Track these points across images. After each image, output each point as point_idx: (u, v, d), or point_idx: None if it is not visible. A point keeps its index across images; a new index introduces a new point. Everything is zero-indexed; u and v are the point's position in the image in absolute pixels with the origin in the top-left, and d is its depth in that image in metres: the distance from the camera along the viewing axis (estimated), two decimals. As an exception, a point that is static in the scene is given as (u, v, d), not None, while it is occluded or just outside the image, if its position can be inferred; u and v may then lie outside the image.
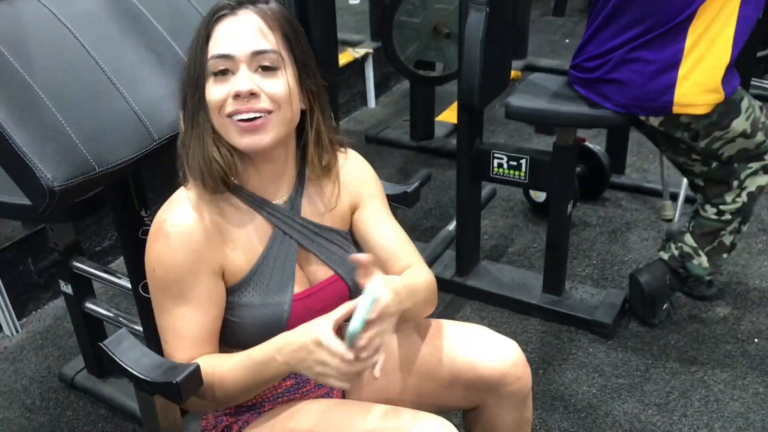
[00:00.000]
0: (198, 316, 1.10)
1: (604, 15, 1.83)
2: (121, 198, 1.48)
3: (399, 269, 1.22)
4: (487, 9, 1.89)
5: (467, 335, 1.28)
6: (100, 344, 1.12)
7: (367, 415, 1.15)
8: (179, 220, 1.09)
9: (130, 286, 1.61)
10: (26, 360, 2.15)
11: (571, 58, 2.01)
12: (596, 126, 2.02)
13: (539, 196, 2.72)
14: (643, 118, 1.84)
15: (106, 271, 1.79)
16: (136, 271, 1.53)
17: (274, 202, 1.17)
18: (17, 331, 2.25)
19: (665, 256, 2.08)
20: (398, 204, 1.53)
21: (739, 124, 1.83)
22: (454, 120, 3.63)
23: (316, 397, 1.27)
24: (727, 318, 2.18)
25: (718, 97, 1.77)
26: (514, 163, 2.10)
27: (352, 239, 1.28)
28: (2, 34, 1.21)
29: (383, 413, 1.15)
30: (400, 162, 3.28)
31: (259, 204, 1.15)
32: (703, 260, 2.02)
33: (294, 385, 1.24)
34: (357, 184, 1.26)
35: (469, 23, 1.91)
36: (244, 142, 1.07)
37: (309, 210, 1.21)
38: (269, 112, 1.07)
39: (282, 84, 1.07)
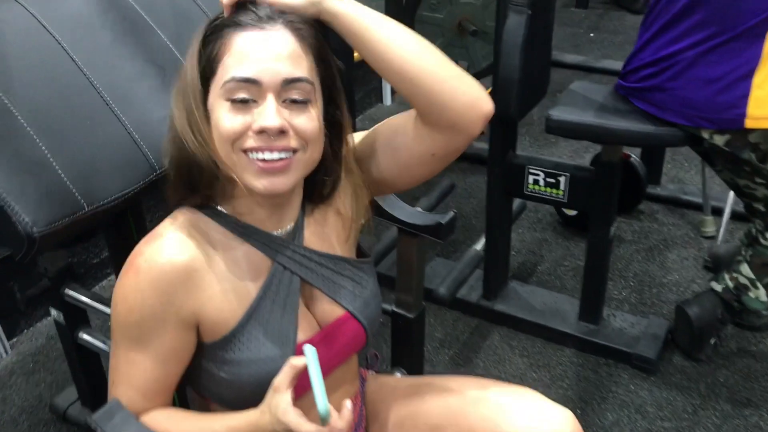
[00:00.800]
0: (154, 368, 0.93)
1: (667, 17, 1.62)
2: (118, 230, 1.30)
3: (404, 128, 1.00)
4: (529, 11, 1.69)
5: (517, 403, 1.09)
6: (90, 419, 0.94)
7: None
8: (154, 256, 0.91)
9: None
10: (16, 386, 1.97)
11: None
12: (653, 145, 1.82)
13: (569, 210, 2.53)
14: (706, 135, 1.64)
15: (102, 301, 1.61)
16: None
17: (273, 234, 0.98)
18: (6, 353, 2.07)
19: (718, 287, 1.89)
20: (430, 236, 1.35)
21: None
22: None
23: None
24: (780, 352, 2.00)
25: None
26: (552, 180, 1.91)
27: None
28: (-25, 45, 1.03)
29: None
30: (418, 165, 3.08)
31: (254, 236, 0.97)
32: (762, 293, 1.83)
33: None
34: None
35: (507, 26, 1.71)
36: (261, 184, 0.89)
37: (314, 238, 1.03)
38: (294, 151, 0.88)
39: (313, 119, 0.89)
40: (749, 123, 1.58)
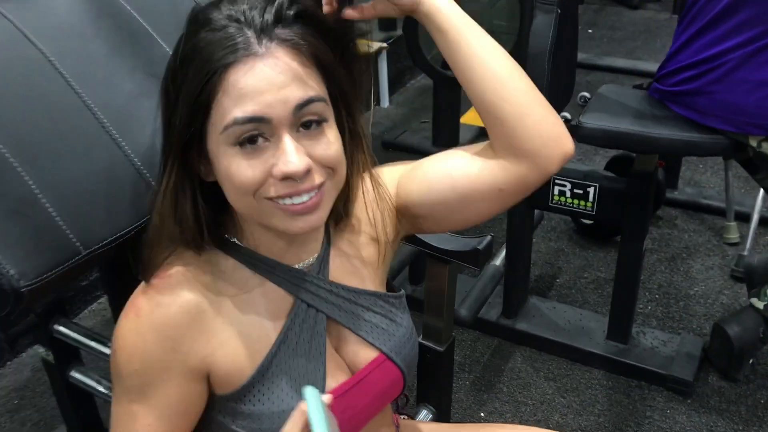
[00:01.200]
0: (159, 424, 0.80)
1: (708, 17, 1.49)
2: (113, 264, 1.14)
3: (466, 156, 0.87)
4: (558, 10, 1.55)
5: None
6: None
7: None
8: (157, 296, 0.79)
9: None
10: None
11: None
12: (694, 154, 1.69)
13: (585, 219, 2.40)
14: (754, 143, 1.51)
15: (95, 339, 1.45)
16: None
17: (295, 267, 0.84)
18: (-11, 388, 1.91)
19: (760, 305, 1.77)
20: (466, 264, 1.21)
21: None
22: (480, 122, 3.31)
23: None
24: (820, 369, 1.88)
25: None
26: (580, 192, 1.77)
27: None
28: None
29: None
30: (421, 171, 2.95)
31: (273, 270, 0.83)
32: None
33: None
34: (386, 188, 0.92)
35: (535, 28, 1.57)
36: (296, 226, 0.75)
37: (341, 271, 0.89)
38: (322, 184, 0.75)
39: (333, 142, 0.75)
40: None
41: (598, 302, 2.14)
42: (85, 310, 2.18)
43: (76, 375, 1.56)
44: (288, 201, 0.73)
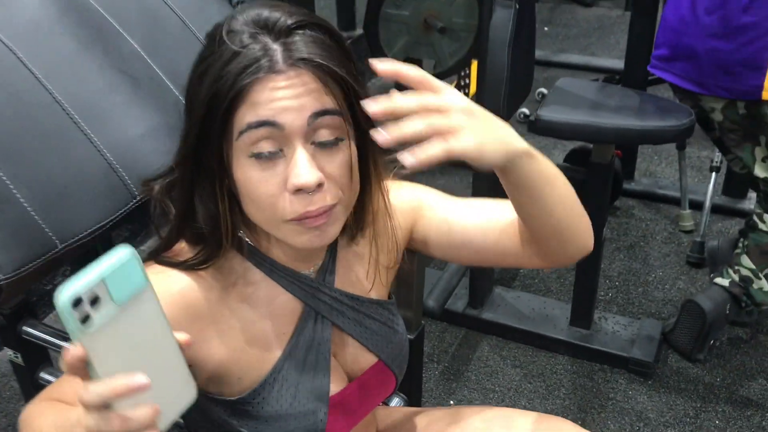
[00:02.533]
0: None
1: None
2: (84, 263, 1.15)
3: (508, 221, 0.89)
4: (517, 5, 1.60)
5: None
6: None
7: None
8: (163, 287, 0.74)
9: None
10: (-34, 433, 1.79)
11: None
12: (649, 142, 1.75)
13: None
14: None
15: (65, 338, 1.45)
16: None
17: (302, 273, 0.85)
18: (-46, 395, 1.88)
19: (724, 282, 1.84)
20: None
21: None
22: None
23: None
24: (772, 347, 1.97)
25: None
26: (540, 183, 1.82)
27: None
28: None
29: None
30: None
31: (283, 275, 0.84)
32: (764, 284, 1.80)
33: None
34: (402, 207, 0.93)
35: (494, 22, 1.61)
36: (306, 240, 0.76)
37: (344, 279, 0.90)
38: (334, 206, 0.75)
39: (348, 161, 0.75)
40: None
41: (560, 290, 2.20)
42: (51, 314, 2.16)
43: (45, 376, 1.55)
44: (308, 220, 0.73)
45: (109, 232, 0.95)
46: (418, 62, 2.81)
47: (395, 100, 0.68)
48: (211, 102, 0.70)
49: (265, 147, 0.70)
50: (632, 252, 2.38)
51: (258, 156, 0.71)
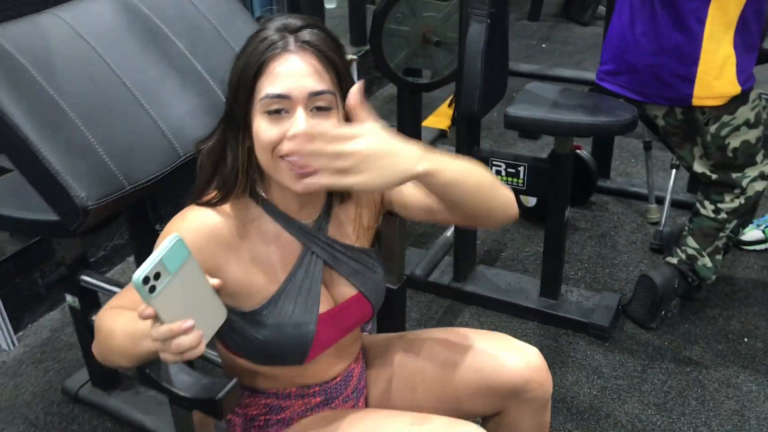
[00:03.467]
0: None
1: None
2: (138, 214, 1.48)
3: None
4: (488, 21, 1.92)
5: (491, 343, 1.31)
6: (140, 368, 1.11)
7: (398, 423, 1.18)
8: (200, 213, 1.08)
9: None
10: (26, 374, 2.12)
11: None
12: (596, 135, 2.07)
13: (529, 200, 2.77)
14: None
15: (117, 285, 1.78)
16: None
17: (302, 222, 1.17)
18: (14, 345, 2.22)
19: (674, 260, 2.15)
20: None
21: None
22: (440, 125, 3.67)
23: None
24: (716, 319, 2.26)
25: None
26: (513, 170, 2.14)
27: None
28: (26, 51, 1.21)
29: (414, 420, 1.17)
30: (387, 168, 3.30)
31: (289, 222, 1.15)
32: (707, 261, 2.10)
33: (323, 401, 1.25)
34: None
35: (470, 35, 1.94)
36: (300, 187, 1.04)
37: (335, 230, 1.21)
38: None
39: (335, 124, 1.05)
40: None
41: (536, 270, 2.50)
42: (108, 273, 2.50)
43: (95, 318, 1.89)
44: (294, 158, 1.02)
45: (161, 182, 1.28)
46: (417, 72, 3.14)
47: (314, 145, 0.95)
48: (242, 73, 1.03)
49: (275, 106, 1.02)
50: (603, 240, 2.68)
51: (269, 113, 1.02)
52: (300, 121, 1.01)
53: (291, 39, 1.03)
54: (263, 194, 1.13)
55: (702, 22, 1.83)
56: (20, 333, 2.28)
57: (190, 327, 0.89)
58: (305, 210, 1.16)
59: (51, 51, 1.24)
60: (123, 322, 1.04)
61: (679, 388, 2.00)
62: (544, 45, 4.76)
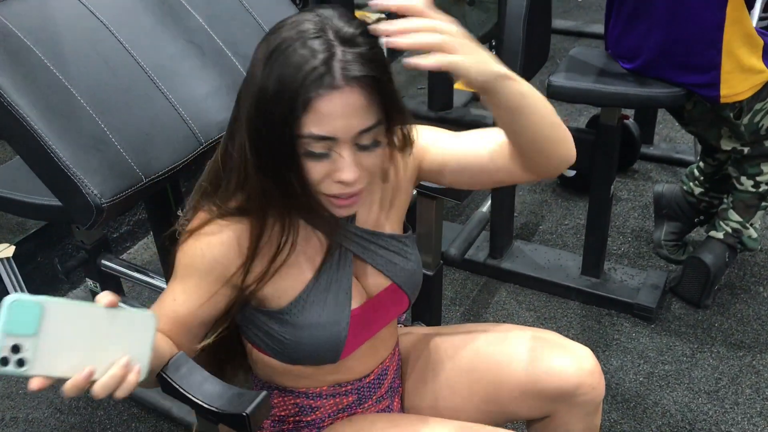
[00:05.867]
0: (182, 299, 1.01)
1: None
2: (159, 200, 1.39)
3: (497, 143, 1.06)
4: (531, -17, 1.77)
5: (539, 342, 1.21)
6: (160, 372, 1.04)
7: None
8: (233, 232, 0.99)
9: (164, 285, 1.53)
10: (50, 356, 2.07)
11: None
12: (649, 106, 1.92)
13: (568, 171, 2.63)
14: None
15: (137, 270, 1.71)
16: (171, 270, 1.45)
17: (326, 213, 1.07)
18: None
19: (719, 235, 2.03)
20: (449, 198, 1.45)
21: None
22: (472, 88, 3.52)
23: (377, 412, 1.21)
24: (770, 298, 2.13)
25: None
26: (554, 143, 2.01)
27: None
28: (32, 32, 1.11)
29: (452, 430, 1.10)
30: (418, 134, 3.18)
31: (315, 217, 1.04)
32: (752, 232, 2.02)
33: (355, 401, 1.18)
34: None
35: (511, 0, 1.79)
36: (338, 213, 0.99)
37: (365, 217, 1.12)
38: (362, 189, 0.97)
39: (380, 157, 0.96)
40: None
41: (576, 245, 2.39)
42: (124, 255, 2.44)
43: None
44: (339, 194, 0.94)
45: (181, 172, 1.18)
46: (449, 33, 2.99)
47: (408, 23, 0.85)
48: (278, 98, 0.88)
49: (320, 150, 0.90)
50: (646, 211, 2.55)
51: (311, 154, 0.91)
52: (348, 166, 0.91)
53: (338, 69, 0.87)
54: None
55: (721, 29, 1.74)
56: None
57: (90, 373, 0.78)
58: None
59: (58, 30, 1.13)
60: None
61: (732, 375, 1.89)
62: (580, 0, 4.54)
